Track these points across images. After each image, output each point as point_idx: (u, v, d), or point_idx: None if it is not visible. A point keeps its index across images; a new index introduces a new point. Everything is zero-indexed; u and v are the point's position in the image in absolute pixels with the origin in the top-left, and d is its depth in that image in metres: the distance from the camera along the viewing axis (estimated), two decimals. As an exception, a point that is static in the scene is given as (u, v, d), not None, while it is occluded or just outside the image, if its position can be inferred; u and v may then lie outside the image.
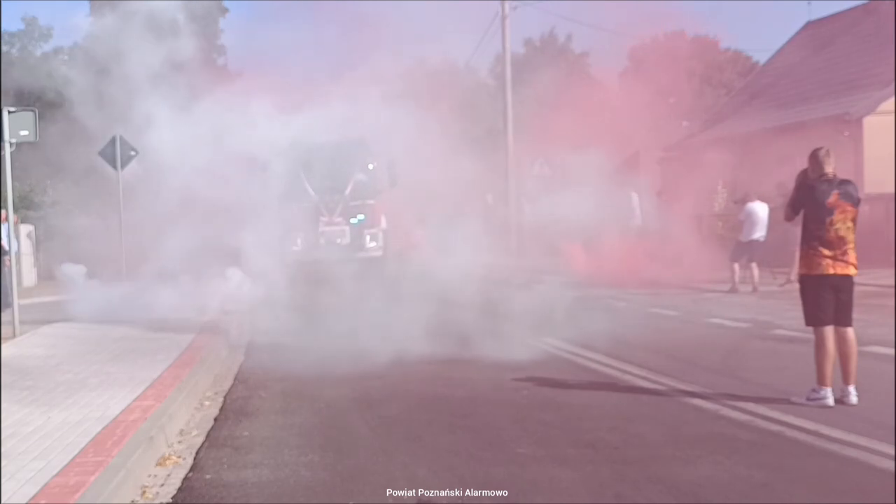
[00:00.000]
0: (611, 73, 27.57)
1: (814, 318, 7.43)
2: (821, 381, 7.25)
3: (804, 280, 7.50)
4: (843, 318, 7.37)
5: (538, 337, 11.43)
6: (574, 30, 38.59)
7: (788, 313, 12.78)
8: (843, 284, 7.33)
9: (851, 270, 7.31)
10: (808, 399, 7.26)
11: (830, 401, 7.19)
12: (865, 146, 20.91)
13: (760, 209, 16.74)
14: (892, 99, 21.13)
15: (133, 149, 18.48)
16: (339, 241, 17.32)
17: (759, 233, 16.67)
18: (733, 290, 16.51)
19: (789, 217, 7.79)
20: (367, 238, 17.65)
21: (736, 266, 16.76)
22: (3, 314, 11.37)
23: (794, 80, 27.00)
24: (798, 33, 29.92)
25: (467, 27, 26.99)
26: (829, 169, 7.38)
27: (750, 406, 7.27)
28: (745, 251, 16.88)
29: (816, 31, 28.39)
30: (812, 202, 7.36)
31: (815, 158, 7.45)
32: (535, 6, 27.05)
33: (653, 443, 6.27)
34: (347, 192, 17.55)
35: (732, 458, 5.84)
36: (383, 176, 17.70)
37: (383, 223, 17.94)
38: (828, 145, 7.70)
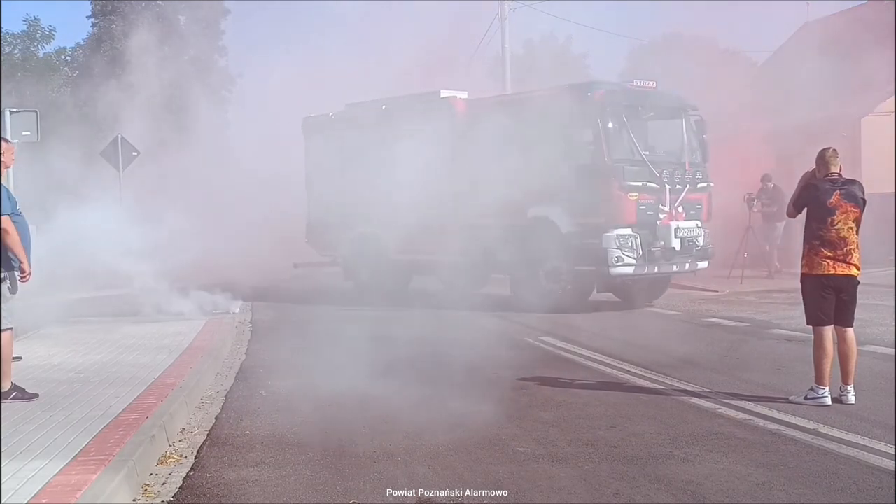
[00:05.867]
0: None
1: (813, 317, 7.44)
2: (819, 381, 7.28)
3: (805, 279, 7.51)
4: (843, 318, 7.38)
5: (537, 336, 11.47)
6: (574, 30, 38.52)
7: (787, 313, 12.83)
8: (845, 285, 7.33)
9: (853, 271, 7.32)
10: (807, 398, 7.29)
11: (828, 400, 7.22)
12: (864, 146, 20.92)
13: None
14: (892, 99, 21.14)
15: (135, 149, 18.55)
16: (675, 245, 13.82)
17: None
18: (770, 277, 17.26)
19: (792, 214, 7.81)
20: (701, 240, 14.29)
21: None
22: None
23: (792, 80, 26.97)
24: (796, 33, 29.90)
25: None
26: (835, 169, 7.40)
27: (748, 405, 7.31)
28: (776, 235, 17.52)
29: (815, 32, 28.37)
30: (814, 201, 7.38)
31: (822, 158, 7.48)
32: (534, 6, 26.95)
33: (651, 441, 6.29)
34: (687, 170, 14.12)
35: (731, 457, 5.87)
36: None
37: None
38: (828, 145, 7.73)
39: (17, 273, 7.28)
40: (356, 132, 17.21)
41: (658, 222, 13.68)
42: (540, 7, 27.02)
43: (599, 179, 13.54)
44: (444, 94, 16.28)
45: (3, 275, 7.15)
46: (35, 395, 7.35)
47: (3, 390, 7.18)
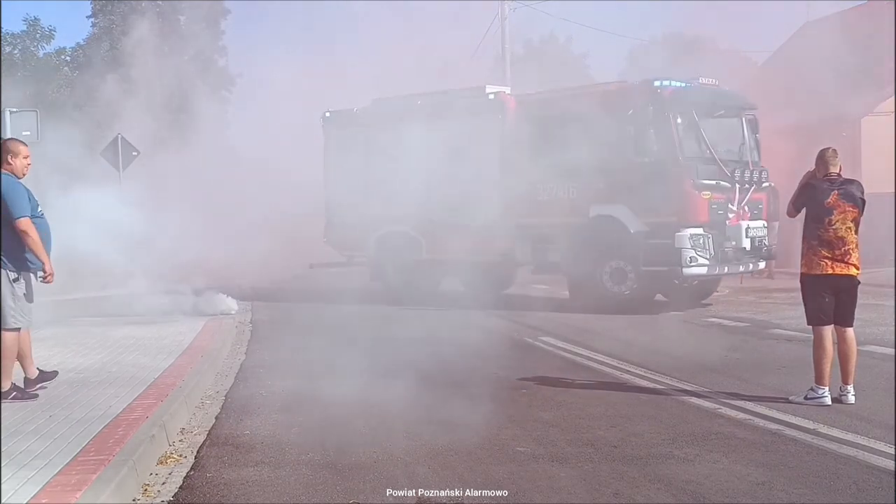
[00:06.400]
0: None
1: (813, 317, 7.45)
2: (819, 381, 7.28)
3: (804, 279, 7.52)
4: (843, 318, 7.38)
5: (537, 336, 11.47)
6: (574, 30, 38.54)
7: (787, 313, 12.83)
8: (844, 284, 7.33)
9: (852, 271, 7.32)
10: (807, 398, 7.29)
11: (828, 400, 7.22)
12: (863, 146, 20.94)
13: None
14: (891, 99, 21.16)
15: (135, 149, 18.53)
16: (745, 245, 13.68)
17: None
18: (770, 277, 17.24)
19: (791, 214, 7.81)
20: (767, 240, 14.16)
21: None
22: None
23: (792, 80, 26.97)
24: (796, 33, 29.91)
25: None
26: (834, 169, 7.42)
27: (748, 405, 7.31)
28: None
29: (814, 32, 28.37)
30: (813, 201, 7.39)
31: (821, 158, 7.50)
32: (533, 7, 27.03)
33: (651, 441, 6.29)
34: (752, 168, 13.97)
35: (731, 457, 5.87)
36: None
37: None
38: (827, 145, 7.74)
39: (38, 275, 7.33)
40: (385, 128, 16.67)
41: (727, 222, 13.56)
42: (540, 7, 27.05)
43: (671, 177, 13.33)
44: (489, 89, 15.92)
45: (15, 275, 7.16)
46: (35, 396, 7.36)
47: (3, 390, 7.18)
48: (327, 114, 18.09)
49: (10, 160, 7.31)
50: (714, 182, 13.42)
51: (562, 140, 14.18)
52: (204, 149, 22.11)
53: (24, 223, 7.07)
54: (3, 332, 7.16)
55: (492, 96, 15.69)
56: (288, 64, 25.36)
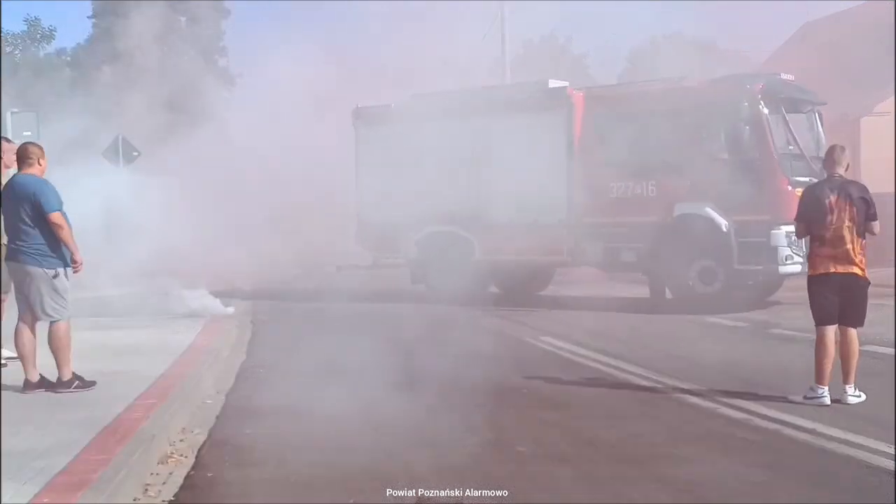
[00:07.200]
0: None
1: (816, 316, 7.47)
2: (819, 380, 7.28)
3: (809, 279, 7.58)
4: (849, 318, 7.41)
5: (537, 336, 11.48)
6: (574, 30, 38.54)
7: (787, 313, 12.83)
8: (848, 283, 7.36)
9: (855, 270, 7.34)
10: (806, 398, 7.29)
11: (827, 400, 7.22)
12: (863, 146, 20.96)
13: None
14: (891, 99, 21.17)
15: (136, 149, 18.53)
16: None
17: None
18: None
19: (801, 234, 7.86)
20: None
21: None
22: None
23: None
24: (795, 33, 29.93)
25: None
26: (840, 169, 7.44)
27: (748, 405, 7.30)
28: None
29: (814, 32, 28.40)
30: (814, 203, 7.42)
31: (830, 156, 7.53)
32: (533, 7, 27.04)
33: (651, 441, 6.30)
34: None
35: (730, 457, 5.87)
36: None
37: None
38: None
39: (69, 268, 7.54)
40: (429, 124, 16.06)
41: None
42: (540, 7, 27.03)
43: (766, 174, 13.15)
44: (552, 84, 15.49)
45: (58, 270, 7.43)
46: (94, 383, 7.67)
47: (64, 379, 7.50)
48: (358, 108, 17.37)
49: (39, 163, 7.60)
50: (807, 178, 12.95)
51: (639, 137, 13.85)
52: (210, 147, 21.99)
53: (58, 216, 7.36)
54: (53, 326, 7.48)
55: (557, 91, 15.24)
56: (290, 60, 25.17)
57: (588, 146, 14.73)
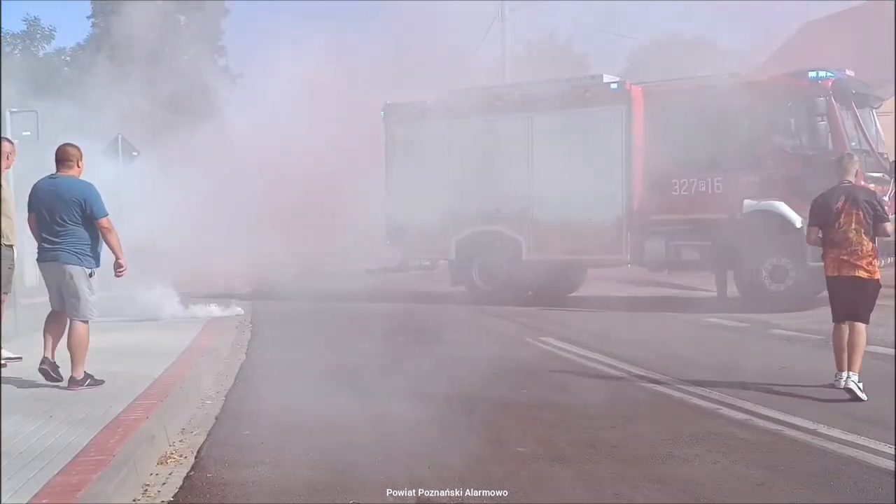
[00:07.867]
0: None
1: (832, 313, 7.92)
2: (839, 367, 7.68)
3: (826, 280, 7.99)
4: (855, 314, 7.77)
5: (537, 336, 11.48)
6: (574, 30, 38.54)
7: (787, 313, 12.83)
8: (857, 284, 7.72)
9: (860, 273, 7.69)
10: (832, 383, 7.65)
11: (843, 383, 7.57)
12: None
13: None
14: (892, 99, 21.14)
15: (135, 149, 18.51)
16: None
17: None
18: None
19: (812, 239, 8.16)
20: None
21: None
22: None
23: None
24: (796, 34, 29.93)
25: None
26: (849, 176, 7.91)
27: (748, 405, 7.31)
28: None
29: (814, 32, 28.39)
30: (824, 208, 7.83)
31: (840, 163, 8.01)
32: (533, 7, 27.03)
33: (651, 442, 6.29)
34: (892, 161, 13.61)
35: (731, 457, 5.86)
36: None
37: None
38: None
39: (93, 270, 7.61)
40: (470, 120, 15.70)
41: None
42: (540, 6, 27.03)
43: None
44: (606, 78, 15.25)
45: (93, 270, 7.58)
46: (102, 381, 7.76)
47: (77, 378, 7.61)
48: (389, 105, 16.92)
49: (79, 164, 7.69)
50: (879, 175, 13.05)
51: (705, 133, 13.65)
52: (210, 147, 21.96)
53: (108, 222, 7.56)
54: (77, 323, 7.60)
55: (615, 86, 14.93)
56: (291, 59, 25.15)
57: (649, 142, 14.42)
